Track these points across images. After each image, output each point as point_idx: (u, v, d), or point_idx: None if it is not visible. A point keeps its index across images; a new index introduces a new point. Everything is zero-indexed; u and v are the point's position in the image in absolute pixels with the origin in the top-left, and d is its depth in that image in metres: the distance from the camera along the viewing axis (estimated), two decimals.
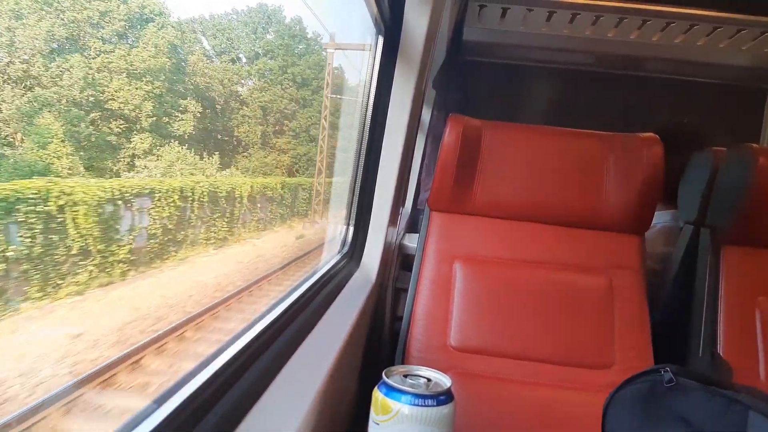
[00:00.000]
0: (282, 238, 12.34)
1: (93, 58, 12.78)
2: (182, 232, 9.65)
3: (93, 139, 12.22)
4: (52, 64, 11.80)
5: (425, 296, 1.04)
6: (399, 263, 1.46)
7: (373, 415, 0.55)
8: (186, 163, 13.84)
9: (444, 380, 0.57)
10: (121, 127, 13.32)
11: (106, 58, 12.93)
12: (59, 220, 6.64)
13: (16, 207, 5.92)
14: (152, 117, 13.90)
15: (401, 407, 0.52)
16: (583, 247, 1.07)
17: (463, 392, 0.75)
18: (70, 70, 11.98)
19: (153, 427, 0.42)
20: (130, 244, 8.14)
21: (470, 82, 1.96)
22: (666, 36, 1.56)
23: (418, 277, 1.07)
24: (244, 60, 19.32)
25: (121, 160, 13.15)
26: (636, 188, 1.03)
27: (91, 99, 12.53)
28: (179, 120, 15.00)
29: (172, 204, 9.18)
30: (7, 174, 8.78)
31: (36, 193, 6.23)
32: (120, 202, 7.90)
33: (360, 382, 0.96)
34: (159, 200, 8.87)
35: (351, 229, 1.20)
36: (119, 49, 13.27)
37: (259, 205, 12.50)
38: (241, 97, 18.43)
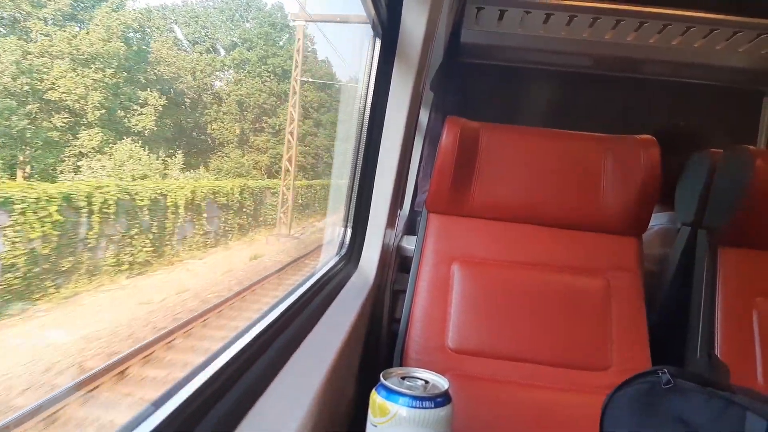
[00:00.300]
0: (233, 257, 9.81)
1: (32, 42, 10.78)
2: (70, 258, 6.79)
3: (29, 135, 10.38)
4: None
5: (423, 298, 1.04)
6: (397, 265, 1.46)
7: (370, 417, 0.55)
8: (139, 164, 11.94)
9: (441, 382, 0.57)
10: (65, 121, 11.25)
11: (48, 41, 10.87)
12: None
13: None
14: (102, 110, 11.84)
15: (399, 409, 0.52)
16: (580, 248, 1.07)
17: (461, 394, 0.75)
18: None
19: (151, 429, 0.42)
20: None
21: (468, 84, 1.97)
22: (663, 38, 1.57)
23: (416, 279, 1.07)
24: (222, 52, 17.70)
25: (66, 159, 11.29)
26: (633, 190, 1.03)
27: (26, 88, 10.47)
28: (138, 114, 13.03)
29: (47, 219, 6.31)
30: None
31: None
32: None
33: (358, 384, 0.96)
34: (24, 214, 6.01)
35: (349, 230, 1.20)
36: (63, 31, 11.17)
37: (206, 215, 9.99)
38: (215, 91, 16.83)
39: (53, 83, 10.90)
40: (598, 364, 0.97)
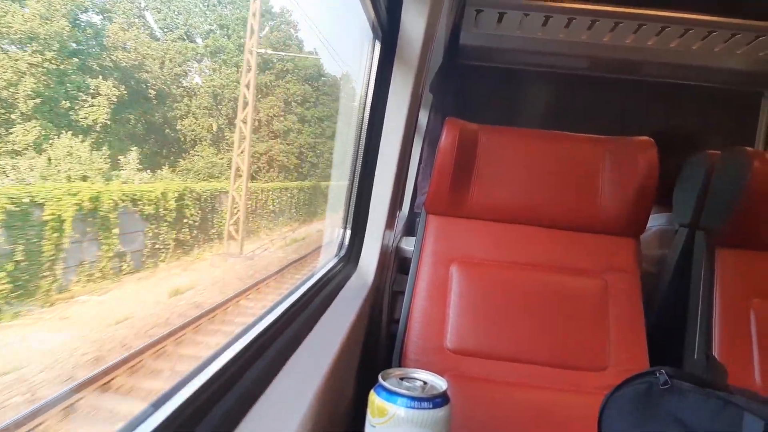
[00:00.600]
0: (153, 291, 7.18)
1: None
2: None
3: None
4: None
5: (422, 299, 1.04)
6: (396, 266, 1.46)
7: (369, 417, 0.55)
8: (79, 162, 9.76)
9: (440, 383, 0.57)
10: None
11: None
12: None
13: None
14: (36, 98, 9.83)
15: (397, 410, 0.52)
16: (578, 249, 1.08)
17: (459, 395, 0.75)
18: None
19: (151, 430, 0.42)
20: None
21: (467, 86, 1.97)
22: (661, 40, 1.57)
23: (415, 280, 1.07)
24: (198, 39, 15.57)
25: None
26: (631, 191, 1.03)
27: None
28: (88, 106, 10.79)
29: None
30: None
31: None
32: None
33: (357, 384, 0.96)
34: None
35: (348, 232, 1.20)
36: None
37: (119, 230, 7.43)
38: (186, 82, 14.75)
39: None
40: (596, 364, 0.98)
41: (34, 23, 9.59)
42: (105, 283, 7.11)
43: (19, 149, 9.36)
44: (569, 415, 0.90)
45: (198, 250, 9.43)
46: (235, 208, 9.80)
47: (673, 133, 1.46)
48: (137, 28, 13.29)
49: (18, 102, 9.62)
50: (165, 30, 15.14)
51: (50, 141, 9.77)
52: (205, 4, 15.91)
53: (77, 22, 10.96)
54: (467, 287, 1.04)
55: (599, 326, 1.00)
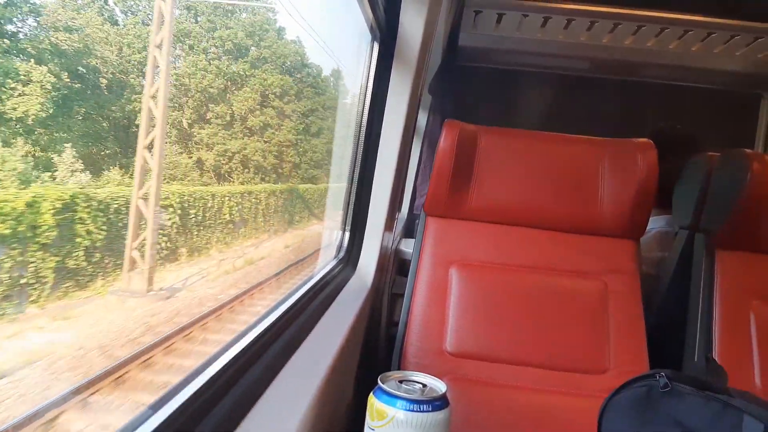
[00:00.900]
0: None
1: None
2: None
3: None
4: None
5: (421, 301, 1.04)
6: (395, 268, 1.46)
7: (368, 420, 0.55)
8: None
9: (439, 386, 0.57)
10: None
11: None
12: None
13: None
14: None
15: (396, 413, 0.52)
16: (578, 252, 1.07)
17: (459, 398, 0.75)
18: None
19: (151, 430, 0.42)
20: None
21: (466, 87, 1.97)
22: (660, 42, 1.58)
23: (414, 282, 1.07)
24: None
25: None
26: (631, 193, 1.03)
27: None
28: (17, 95, 8.90)
29: None
30: None
31: None
32: None
33: (356, 387, 0.95)
34: None
35: (347, 234, 1.20)
36: None
37: None
38: (143, 69, 10.55)
39: None
40: (596, 367, 0.97)
41: None
42: None
43: None
44: (569, 418, 0.90)
45: (100, 281, 6.58)
46: (142, 223, 6.60)
47: (672, 135, 1.46)
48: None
49: None
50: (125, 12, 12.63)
51: None
52: None
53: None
54: (467, 289, 1.04)
55: (599, 329, 1.00)
